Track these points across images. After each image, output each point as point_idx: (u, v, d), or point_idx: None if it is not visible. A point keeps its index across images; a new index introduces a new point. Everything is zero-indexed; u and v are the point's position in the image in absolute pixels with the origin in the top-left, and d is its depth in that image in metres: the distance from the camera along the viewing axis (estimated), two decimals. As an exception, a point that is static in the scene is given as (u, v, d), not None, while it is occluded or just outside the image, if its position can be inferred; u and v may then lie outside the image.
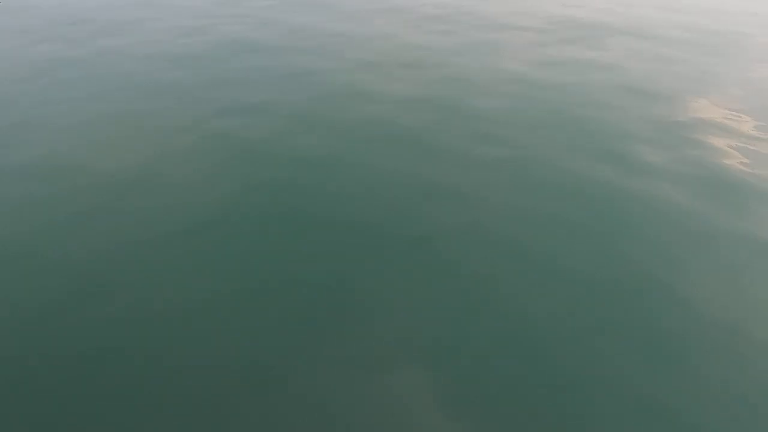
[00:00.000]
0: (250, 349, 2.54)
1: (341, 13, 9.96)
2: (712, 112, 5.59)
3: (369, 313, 2.78)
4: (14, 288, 2.88)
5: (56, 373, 2.39)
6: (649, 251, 3.30)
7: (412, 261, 3.18)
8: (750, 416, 2.25)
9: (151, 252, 3.21)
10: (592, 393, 2.35)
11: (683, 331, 2.69)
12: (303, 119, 5.18)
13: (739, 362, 2.51)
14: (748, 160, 4.51)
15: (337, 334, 2.65)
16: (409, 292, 2.93)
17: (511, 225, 3.56)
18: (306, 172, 4.17)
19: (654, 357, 2.53)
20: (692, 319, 2.76)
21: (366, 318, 2.74)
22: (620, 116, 5.39)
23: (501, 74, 6.62)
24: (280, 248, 3.27)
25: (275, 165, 4.27)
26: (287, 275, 3.04)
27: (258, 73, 6.48)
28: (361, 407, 2.26)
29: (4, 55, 7.21)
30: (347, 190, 3.93)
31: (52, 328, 2.63)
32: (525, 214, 3.69)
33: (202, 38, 8.13)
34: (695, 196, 3.92)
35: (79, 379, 2.36)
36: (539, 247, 3.34)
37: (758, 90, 6.26)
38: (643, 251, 3.31)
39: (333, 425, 2.18)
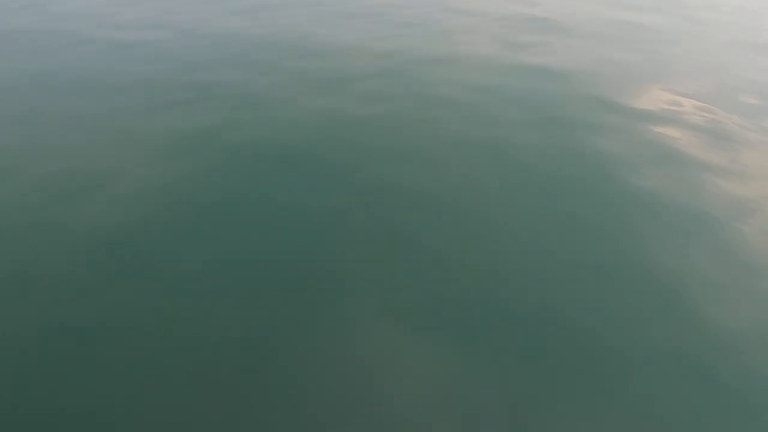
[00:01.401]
0: (232, 322, 2.55)
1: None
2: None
3: (345, 278, 2.83)
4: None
5: (29, 349, 2.37)
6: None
7: (378, 228, 3.24)
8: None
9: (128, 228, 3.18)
10: (561, 340, 2.49)
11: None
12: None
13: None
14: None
15: (314, 299, 2.70)
16: (380, 257, 3.00)
17: (472, 192, 3.66)
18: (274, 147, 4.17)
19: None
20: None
21: (342, 283, 2.80)
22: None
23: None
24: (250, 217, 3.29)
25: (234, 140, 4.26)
26: (256, 242, 3.06)
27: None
28: (342, 369, 2.31)
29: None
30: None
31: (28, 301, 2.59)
32: (486, 181, 3.80)
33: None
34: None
35: (64, 354, 2.35)
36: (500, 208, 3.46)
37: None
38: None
39: (319, 388, 2.22)
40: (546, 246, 3.14)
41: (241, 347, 2.41)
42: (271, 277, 2.84)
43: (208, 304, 2.65)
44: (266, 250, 3.06)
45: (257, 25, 7.95)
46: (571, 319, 2.60)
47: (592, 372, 2.33)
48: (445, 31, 7.82)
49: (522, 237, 3.21)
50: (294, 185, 3.71)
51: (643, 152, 4.26)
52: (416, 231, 3.24)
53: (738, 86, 5.81)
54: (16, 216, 3.33)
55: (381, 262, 2.97)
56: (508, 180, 3.83)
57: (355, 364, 2.34)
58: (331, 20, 8.33)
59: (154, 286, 2.76)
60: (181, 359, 2.34)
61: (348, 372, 2.30)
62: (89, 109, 4.94)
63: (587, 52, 6.85)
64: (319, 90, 5.44)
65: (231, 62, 6.25)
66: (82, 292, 2.71)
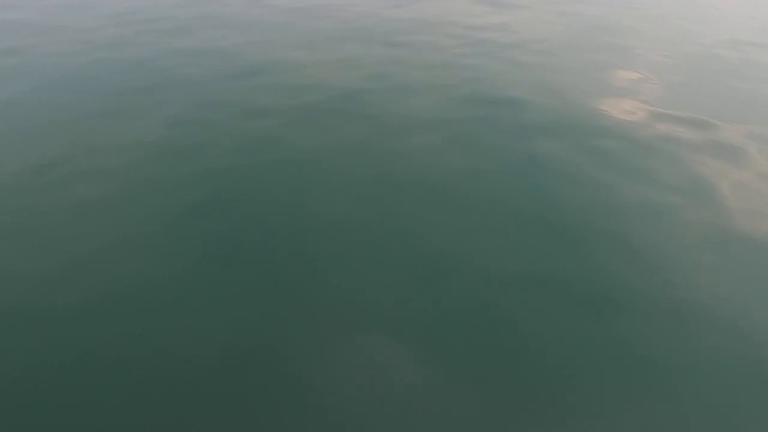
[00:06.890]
0: (221, 327, 2.44)
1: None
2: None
3: (333, 282, 2.73)
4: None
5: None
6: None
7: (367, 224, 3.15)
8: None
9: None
10: (553, 349, 2.40)
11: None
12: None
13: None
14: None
15: (304, 305, 2.59)
16: (369, 259, 2.90)
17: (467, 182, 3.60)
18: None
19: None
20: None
21: (330, 288, 2.70)
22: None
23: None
24: (236, 223, 3.18)
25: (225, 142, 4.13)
26: (242, 249, 2.95)
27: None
28: (334, 373, 2.22)
29: None
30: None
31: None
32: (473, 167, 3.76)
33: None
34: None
35: (55, 374, 2.22)
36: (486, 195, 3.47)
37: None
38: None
39: (310, 393, 2.14)
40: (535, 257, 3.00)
41: (226, 351, 2.32)
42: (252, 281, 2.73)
43: (184, 316, 2.52)
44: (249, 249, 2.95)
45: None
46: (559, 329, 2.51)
47: (586, 378, 2.26)
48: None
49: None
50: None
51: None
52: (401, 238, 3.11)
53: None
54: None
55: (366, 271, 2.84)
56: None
57: (338, 374, 2.24)
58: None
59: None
60: (157, 374, 2.23)
61: (333, 383, 2.20)
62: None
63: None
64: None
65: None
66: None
